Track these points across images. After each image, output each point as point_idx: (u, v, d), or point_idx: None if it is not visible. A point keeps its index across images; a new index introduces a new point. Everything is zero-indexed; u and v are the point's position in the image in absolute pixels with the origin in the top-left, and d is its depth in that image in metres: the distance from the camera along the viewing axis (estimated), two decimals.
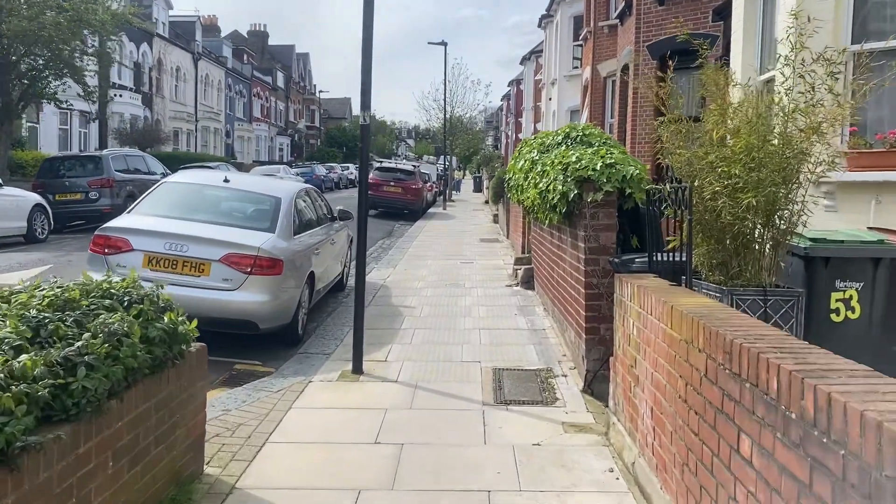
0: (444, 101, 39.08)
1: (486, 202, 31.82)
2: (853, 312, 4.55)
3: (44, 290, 3.22)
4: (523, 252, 12.18)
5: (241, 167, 37.05)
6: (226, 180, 7.81)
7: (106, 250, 6.58)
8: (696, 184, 4.07)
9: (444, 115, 39.65)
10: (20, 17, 18.64)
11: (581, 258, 5.63)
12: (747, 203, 3.69)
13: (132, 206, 7.50)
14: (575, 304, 5.98)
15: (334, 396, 5.41)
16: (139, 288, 3.57)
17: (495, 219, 22.90)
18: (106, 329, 3.01)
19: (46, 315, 2.97)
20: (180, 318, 3.60)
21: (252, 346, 6.88)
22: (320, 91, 77.82)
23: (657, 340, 3.59)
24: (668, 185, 4.16)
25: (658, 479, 3.56)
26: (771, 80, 6.88)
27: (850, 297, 4.53)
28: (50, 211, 14.84)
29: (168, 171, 16.66)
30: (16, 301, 3.09)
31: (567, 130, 7.40)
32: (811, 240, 4.45)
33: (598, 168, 5.38)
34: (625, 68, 14.73)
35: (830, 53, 3.94)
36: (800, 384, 2.03)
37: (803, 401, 2.01)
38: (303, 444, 4.46)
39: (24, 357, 2.60)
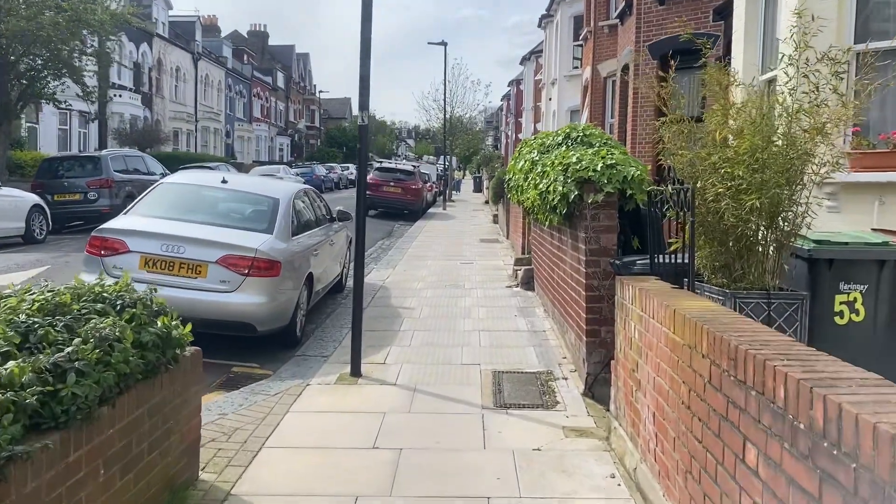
0: (444, 101, 39.05)
1: (486, 202, 31.75)
2: (857, 315, 4.49)
3: (34, 294, 3.16)
4: (523, 253, 12.12)
5: (241, 167, 37.01)
6: (223, 181, 7.75)
7: (102, 252, 6.52)
8: (698, 185, 4.01)
9: (444, 115, 39.60)
10: (18, 17, 18.57)
11: (581, 260, 5.57)
12: (751, 205, 3.62)
13: (129, 207, 7.44)
14: (575, 307, 5.92)
15: (332, 400, 5.35)
16: (132, 291, 3.51)
17: (495, 219, 22.84)
18: (97, 334, 2.95)
19: (36, 320, 2.91)
20: (174, 323, 3.54)
21: (250, 348, 6.82)
22: (320, 91, 77.79)
23: (659, 344, 3.53)
24: (670, 187, 4.10)
25: (660, 485, 3.50)
26: (773, 80, 6.82)
27: (855, 299, 4.47)
28: (48, 211, 14.79)
29: (167, 172, 16.60)
30: (4, 306, 3.03)
31: (567, 131, 7.34)
32: (815, 242, 4.38)
33: (598, 169, 5.32)
34: (625, 68, 14.66)
35: (835, 53, 3.88)
36: (808, 394, 1.97)
37: (812, 411, 1.94)
38: (300, 449, 4.40)
39: (11, 364, 2.54)
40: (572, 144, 6.84)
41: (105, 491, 2.97)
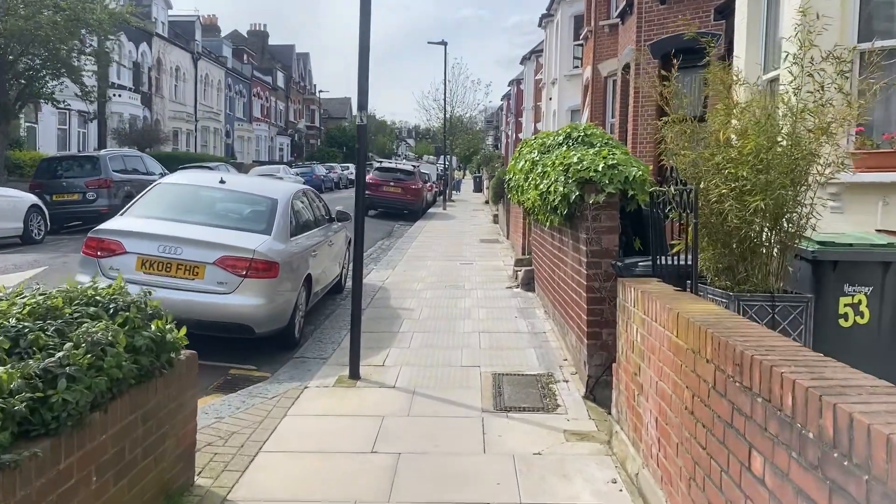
0: (444, 100, 38.99)
1: (486, 202, 31.70)
2: (862, 318, 4.43)
3: (25, 297, 3.10)
4: (524, 253, 12.06)
5: (241, 167, 36.94)
6: (221, 181, 7.69)
7: (98, 253, 6.46)
8: (701, 186, 3.95)
9: (444, 114, 39.53)
10: (17, 17, 18.51)
11: (583, 261, 5.51)
12: (755, 206, 3.56)
13: (126, 207, 7.38)
14: (576, 308, 5.86)
15: (330, 403, 5.29)
16: (126, 295, 3.45)
17: (495, 219, 22.79)
18: (89, 338, 2.89)
19: (26, 324, 2.85)
20: (168, 326, 3.48)
21: (248, 350, 6.76)
22: (320, 91, 77.72)
23: (662, 348, 3.47)
24: (672, 188, 4.04)
25: (663, 492, 3.44)
26: (776, 80, 6.76)
27: (859, 301, 4.41)
28: (46, 212, 14.73)
29: (166, 172, 16.54)
30: None
31: (568, 130, 7.28)
32: (819, 243, 4.32)
33: (599, 169, 5.26)
34: (626, 68, 14.60)
35: (840, 52, 3.82)
36: (817, 402, 1.91)
37: (821, 420, 1.88)
38: (297, 454, 4.35)
39: (0, 370, 2.48)
40: (573, 144, 6.78)
41: (97, 498, 2.91)
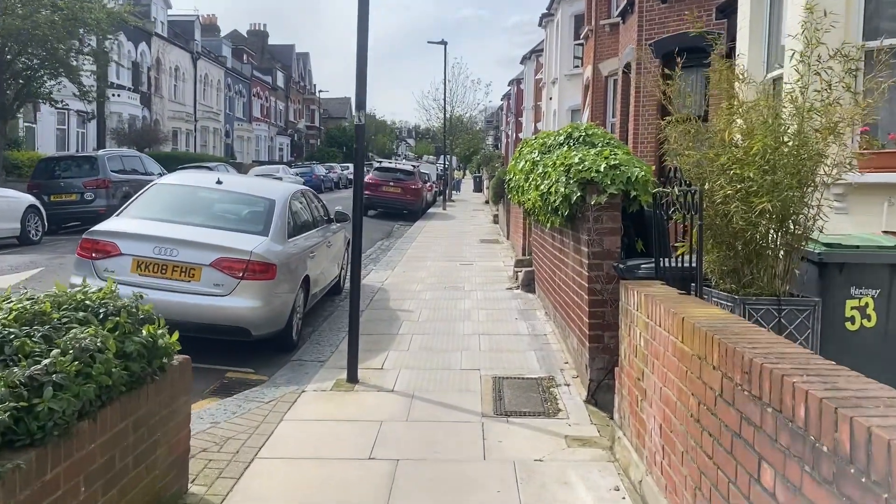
0: (444, 100, 38.89)
1: (486, 202, 31.62)
2: (869, 321, 4.36)
3: (12, 302, 3.02)
4: (524, 254, 11.97)
5: (241, 167, 36.85)
6: (219, 182, 7.60)
7: (93, 255, 6.38)
8: (706, 187, 3.86)
9: (444, 114, 39.44)
10: (14, 16, 18.41)
11: (584, 263, 5.43)
12: (762, 207, 3.48)
13: (121, 208, 7.29)
14: (578, 311, 5.78)
15: (328, 408, 5.20)
16: (117, 298, 3.36)
17: (495, 219, 22.71)
18: (77, 345, 2.81)
19: (12, 330, 2.76)
20: (160, 331, 3.39)
21: (245, 353, 6.68)
22: (320, 91, 77.60)
23: (667, 354, 3.39)
24: (676, 188, 3.95)
25: (667, 500, 3.36)
26: (778, 79, 6.68)
27: (866, 304, 4.34)
28: (44, 212, 14.64)
29: (165, 172, 16.44)
30: None
31: (569, 130, 7.19)
32: (825, 245, 4.25)
33: (601, 169, 5.18)
34: (627, 67, 14.52)
35: (848, 49, 3.74)
36: (832, 414, 1.82)
37: (837, 433, 1.80)
38: (293, 460, 4.26)
39: None
40: (574, 144, 6.69)
41: None
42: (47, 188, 16.24)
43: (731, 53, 8.57)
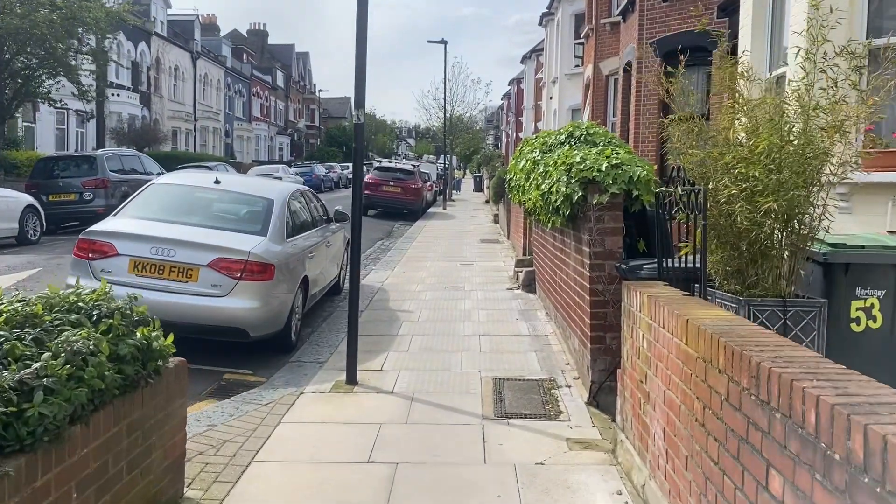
0: (444, 99, 38.83)
1: (487, 202, 31.56)
2: (874, 322, 4.29)
3: (2, 304, 2.96)
4: (524, 254, 11.91)
5: (240, 167, 36.79)
6: (217, 181, 7.54)
7: (90, 255, 6.31)
8: (709, 186, 3.80)
9: (445, 113, 39.37)
10: (12, 15, 18.34)
11: (586, 263, 5.37)
12: (767, 207, 3.41)
13: (118, 208, 7.23)
14: (579, 311, 5.72)
15: (326, 410, 5.14)
16: (110, 300, 3.30)
17: (496, 219, 22.65)
18: (69, 348, 2.75)
19: (2, 333, 2.70)
20: (155, 333, 3.33)
21: (243, 354, 6.62)
22: (320, 90, 77.50)
23: (670, 356, 3.33)
24: (679, 188, 3.89)
25: None
26: (782, 78, 6.62)
27: (872, 305, 4.28)
28: (42, 212, 14.58)
29: (164, 172, 16.38)
30: None
31: (570, 129, 7.13)
32: (831, 245, 4.18)
33: (603, 169, 5.12)
34: (628, 66, 14.46)
35: (854, 47, 3.67)
36: (845, 421, 1.76)
37: (850, 441, 1.74)
38: (291, 464, 4.20)
39: None
40: (575, 143, 6.63)
41: None
42: (46, 188, 16.18)
43: (733, 52, 8.52)
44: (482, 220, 24.05)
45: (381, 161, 38.77)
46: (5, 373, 2.50)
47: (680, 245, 4.05)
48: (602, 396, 5.19)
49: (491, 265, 12.99)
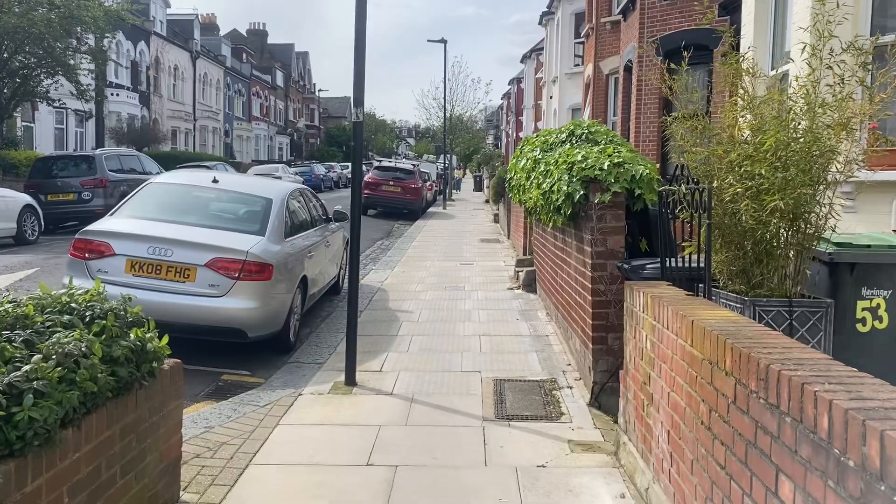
0: (444, 99, 38.75)
1: (487, 201, 31.50)
2: (881, 322, 4.23)
3: None
4: (525, 253, 11.85)
5: (240, 167, 36.72)
6: (215, 181, 7.47)
7: (87, 255, 6.25)
8: (714, 184, 3.74)
9: (444, 113, 39.30)
10: (10, 14, 18.27)
11: (587, 263, 5.30)
12: (773, 205, 3.35)
13: (115, 208, 7.16)
14: (581, 311, 5.66)
15: (325, 411, 5.08)
16: (104, 301, 3.24)
17: (496, 218, 22.58)
18: (60, 350, 2.69)
19: None
20: (149, 335, 3.27)
21: (241, 354, 6.55)
22: (320, 90, 77.44)
23: (675, 357, 3.26)
24: (683, 186, 3.83)
25: None
26: (785, 76, 6.56)
27: (878, 305, 4.21)
28: (40, 212, 14.52)
29: (163, 171, 16.31)
30: None
31: (571, 128, 7.06)
32: (836, 245, 4.12)
33: (605, 167, 5.06)
34: (628, 65, 14.39)
35: (862, 43, 3.61)
36: (860, 427, 1.70)
37: (865, 447, 1.68)
38: (289, 467, 4.14)
39: None
40: (577, 142, 6.57)
41: None
42: (44, 187, 16.12)
43: (734, 50, 8.46)
44: (482, 220, 23.98)
45: (380, 160, 38.69)
46: None
47: (684, 244, 3.99)
48: (604, 397, 5.13)
49: (491, 265, 12.92)
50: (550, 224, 6.37)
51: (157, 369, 3.37)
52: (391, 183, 24.80)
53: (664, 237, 4.41)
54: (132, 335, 3.17)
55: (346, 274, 8.58)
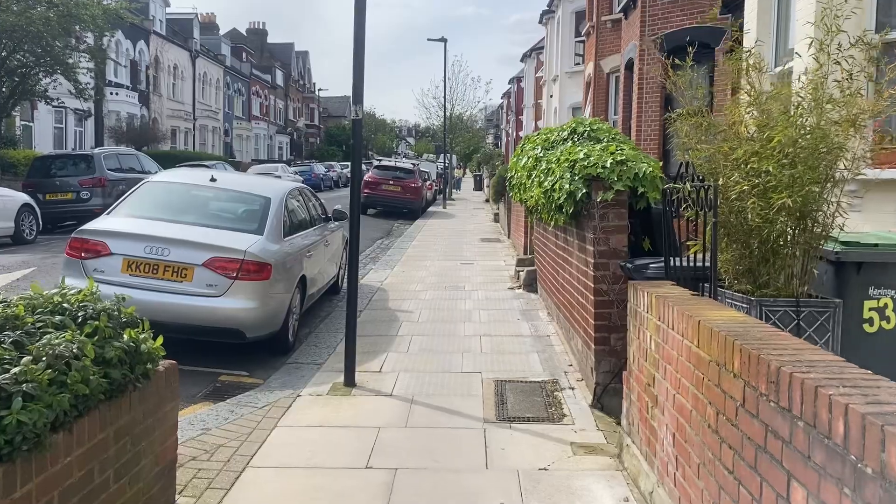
0: (444, 98, 38.67)
1: (487, 201, 31.43)
2: (888, 322, 4.16)
3: None
4: (525, 253, 11.78)
5: (239, 166, 36.64)
6: (212, 179, 7.40)
7: (83, 255, 6.18)
8: (719, 182, 3.67)
9: (444, 112, 39.22)
10: (8, 12, 18.19)
11: (589, 262, 5.23)
12: (781, 203, 3.28)
13: (112, 206, 7.09)
14: (583, 312, 5.59)
15: (324, 413, 5.01)
16: (97, 301, 3.17)
17: (496, 218, 22.52)
18: (51, 351, 2.61)
19: None
20: (143, 336, 3.20)
21: (239, 355, 6.48)
22: (320, 89, 77.35)
23: (680, 359, 3.20)
24: (688, 184, 3.76)
25: None
26: (788, 74, 6.49)
27: (885, 305, 4.15)
28: (38, 211, 14.45)
29: (162, 170, 16.25)
30: None
31: (573, 125, 6.99)
32: (843, 243, 4.05)
33: (608, 165, 4.99)
34: (629, 63, 14.32)
35: (871, 37, 3.54)
36: (879, 433, 1.63)
37: (885, 454, 1.61)
38: (287, 469, 4.07)
39: None
40: (579, 140, 6.49)
41: None
42: (43, 187, 16.05)
43: (738, 46, 8.38)
44: (482, 219, 23.92)
45: (380, 160, 38.59)
46: None
47: (689, 243, 3.92)
48: (606, 399, 5.07)
49: (491, 264, 12.85)
50: (552, 223, 6.31)
51: (151, 371, 3.30)
52: (391, 182, 24.72)
53: (668, 236, 4.34)
54: (126, 336, 3.10)
55: (346, 273, 8.51)
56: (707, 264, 3.76)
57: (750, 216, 3.58)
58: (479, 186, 45.20)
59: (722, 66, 4.33)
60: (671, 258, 4.21)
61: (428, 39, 40.24)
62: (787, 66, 6.84)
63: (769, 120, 3.50)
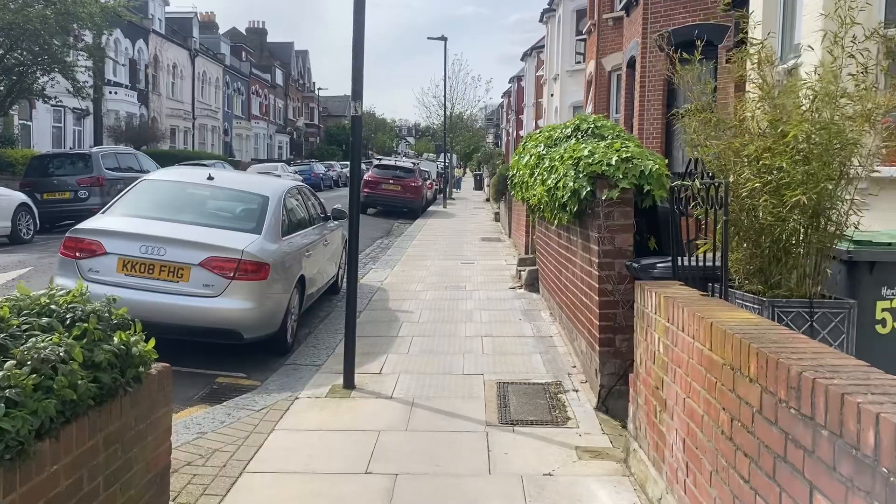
0: (445, 97, 38.56)
1: (487, 200, 31.32)
2: None
3: None
4: (527, 252, 11.68)
5: (239, 165, 36.53)
6: (210, 178, 7.29)
7: (77, 254, 6.07)
8: (730, 179, 3.56)
9: (445, 111, 39.10)
10: (5, 10, 18.07)
11: (594, 262, 5.12)
12: (795, 201, 3.17)
13: (107, 205, 6.97)
14: (587, 312, 5.48)
15: (322, 416, 4.90)
16: (86, 302, 3.06)
17: (497, 217, 22.41)
18: (36, 355, 2.50)
19: None
20: (134, 338, 3.09)
21: (237, 356, 6.37)
22: (320, 88, 77.19)
23: (691, 362, 3.08)
24: (697, 182, 3.65)
25: None
26: (794, 69, 6.37)
27: None
28: (36, 210, 14.34)
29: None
30: None
31: (577, 122, 6.88)
32: (855, 242, 3.94)
33: (613, 163, 4.88)
34: (631, 61, 14.21)
35: (886, 30, 3.43)
36: None
37: None
38: (284, 475, 3.96)
39: None
40: (583, 137, 6.38)
41: None
42: (40, 186, 15.94)
43: (741, 45, 8.26)
44: (483, 219, 23.81)
45: (380, 159, 38.51)
46: None
47: (699, 242, 3.80)
48: (611, 401, 4.96)
49: (492, 264, 12.74)
50: (555, 222, 6.19)
51: (143, 374, 3.18)
52: (391, 181, 24.60)
53: (675, 235, 4.23)
54: (116, 338, 2.98)
55: (345, 273, 8.39)
56: (716, 264, 3.65)
57: (761, 214, 3.47)
58: (479, 186, 45.09)
59: (725, 64, 4.23)
60: (679, 258, 4.10)
61: (428, 38, 40.06)
62: (792, 63, 6.72)
63: (782, 114, 3.39)
